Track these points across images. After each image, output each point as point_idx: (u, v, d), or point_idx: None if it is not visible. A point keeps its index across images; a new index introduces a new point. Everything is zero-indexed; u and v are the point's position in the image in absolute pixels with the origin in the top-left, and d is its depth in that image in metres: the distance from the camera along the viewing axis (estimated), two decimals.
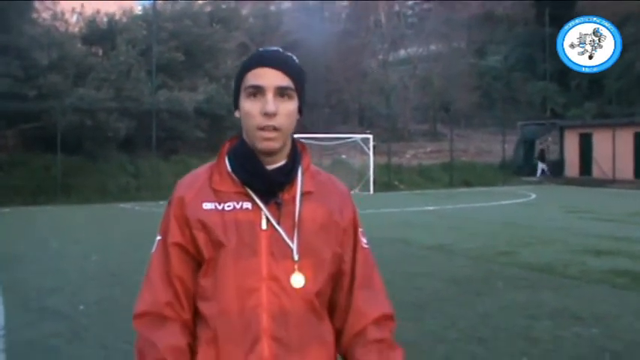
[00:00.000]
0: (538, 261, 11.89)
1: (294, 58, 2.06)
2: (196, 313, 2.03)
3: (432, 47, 53.53)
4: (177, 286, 2.01)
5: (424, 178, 38.57)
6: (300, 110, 2.04)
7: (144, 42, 34.52)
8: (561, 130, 42.92)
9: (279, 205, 1.99)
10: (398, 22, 53.44)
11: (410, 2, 58.21)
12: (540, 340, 6.94)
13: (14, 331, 7.50)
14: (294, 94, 1.99)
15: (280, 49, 2.06)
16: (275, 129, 1.95)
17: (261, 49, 2.08)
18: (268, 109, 1.93)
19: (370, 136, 35.11)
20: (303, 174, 2.07)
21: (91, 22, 37.24)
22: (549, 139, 44.02)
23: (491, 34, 55.10)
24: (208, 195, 2.02)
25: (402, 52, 54.69)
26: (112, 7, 38.63)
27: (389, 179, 36.57)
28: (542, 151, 42.85)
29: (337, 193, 2.13)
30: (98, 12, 37.56)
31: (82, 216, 22.96)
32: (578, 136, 41.08)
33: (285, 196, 2.02)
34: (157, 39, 34.06)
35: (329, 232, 2.05)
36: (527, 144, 44.57)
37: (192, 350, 2.01)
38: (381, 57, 52.39)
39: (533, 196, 30.04)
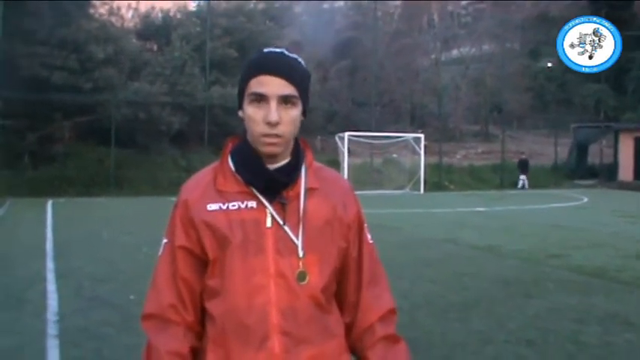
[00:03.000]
0: (589, 264, 11.71)
1: (299, 60, 2.04)
2: (205, 314, 2.05)
3: (485, 47, 53.04)
4: (182, 288, 2.03)
5: (475, 179, 38.31)
6: (304, 113, 2.05)
7: (198, 38, 34.86)
8: (616, 133, 42.01)
9: (283, 205, 2.00)
10: (451, 21, 53.08)
11: (463, 2, 57.69)
12: (590, 345, 6.84)
13: (67, 318, 7.66)
14: (298, 101, 1.99)
15: (285, 52, 2.04)
16: (277, 136, 1.96)
17: (265, 50, 2.06)
18: (272, 119, 1.93)
19: (422, 136, 35.00)
20: (306, 171, 2.08)
21: (146, 18, 37.79)
22: (605, 142, 43.17)
23: (546, 35, 54.36)
24: (213, 196, 2.03)
25: (455, 52, 54.29)
26: (167, 4, 39.23)
27: (439, 179, 36.39)
28: (523, 162, 39.18)
29: (340, 189, 2.14)
30: (153, 8, 38.13)
31: (133, 208, 23.29)
32: (634, 140, 40.21)
33: (290, 193, 2.03)
34: (210, 35, 34.35)
35: (333, 228, 2.06)
36: (581, 147, 43.86)
37: (198, 353, 2.04)
38: (433, 56, 52.07)
39: (586, 199, 29.60)
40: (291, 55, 2.04)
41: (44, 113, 30.22)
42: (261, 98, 1.96)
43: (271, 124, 1.94)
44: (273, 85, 1.95)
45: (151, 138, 32.69)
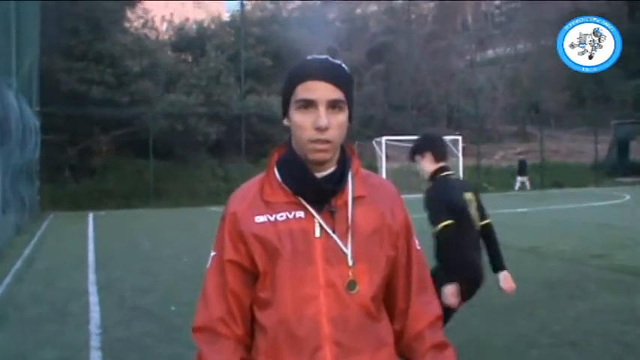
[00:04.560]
0: (634, 264, 11.49)
1: (343, 66, 2.03)
2: (255, 325, 2.05)
3: (520, 46, 52.66)
4: (231, 301, 2.03)
5: (514, 179, 37.97)
6: (350, 118, 2.02)
7: (232, 48, 35.11)
8: None
9: (332, 213, 1.98)
10: (485, 22, 52.82)
11: (497, 2, 57.39)
12: (636, 347, 6.72)
13: (110, 330, 7.72)
14: (345, 106, 1.97)
15: (329, 58, 2.03)
16: (327, 141, 1.94)
17: (309, 57, 2.05)
18: (321, 123, 1.92)
19: (459, 138, 34.80)
20: (353, 178, 2.06)
21: (181, 30, 38.17)
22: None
23: None
24: (260, 207, 2.01)
25: (490, 52, 54.00)
26: (201, 15, 39.45)
27: (478, 181, 36.15)
28: (522, 163, 38.08)
29: (388, 196, 2.11)
30: (187, 19, 38.43)
31: (173, 219, 23.45)
32: None
33: (337, 201, 2.00)
34: (245, 44, 34.51)
35: (382, 236, 2.04)
36: (622, 144, 43.26)
37: None
38: (468, 57, 51.85)
39: (628, 197, 29.18)
40: (335, 60, 2.03)
41: (83, 127, 30.70)
42: (309, 104, 1.94)
43: (321, 130, 1.92)
44: (321, 90, 1.93)
45: (189, 149, 32.96)
